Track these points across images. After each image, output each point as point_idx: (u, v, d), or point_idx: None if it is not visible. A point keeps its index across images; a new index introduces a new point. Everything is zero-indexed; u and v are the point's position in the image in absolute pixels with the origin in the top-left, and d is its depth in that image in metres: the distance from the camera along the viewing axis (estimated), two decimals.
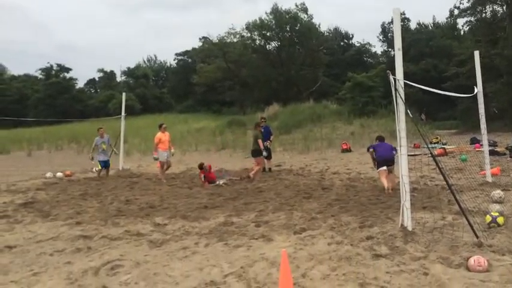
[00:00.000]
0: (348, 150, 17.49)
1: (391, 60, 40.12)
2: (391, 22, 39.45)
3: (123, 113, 16.33)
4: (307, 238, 5.70)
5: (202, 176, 11.26)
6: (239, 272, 4.60)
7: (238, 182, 11.22)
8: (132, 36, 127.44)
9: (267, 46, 45.40)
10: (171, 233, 6.39)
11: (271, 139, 13.69)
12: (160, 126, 12.80)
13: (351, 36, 56.83)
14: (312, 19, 44.44)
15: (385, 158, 8.93)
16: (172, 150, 12.95)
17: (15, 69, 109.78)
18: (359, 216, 6.69)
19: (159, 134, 12.48)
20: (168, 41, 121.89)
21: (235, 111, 43.59)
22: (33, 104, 52.29)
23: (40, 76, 58.74)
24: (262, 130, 13.08)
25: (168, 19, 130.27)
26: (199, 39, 57.60)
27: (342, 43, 55.73)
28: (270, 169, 13.18)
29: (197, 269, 4.76)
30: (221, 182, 11.00)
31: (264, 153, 11.81)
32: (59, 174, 14.22)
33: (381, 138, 9.59)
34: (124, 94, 16.85)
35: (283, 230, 6.15)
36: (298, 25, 42.79)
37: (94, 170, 14.87)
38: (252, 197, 9.02)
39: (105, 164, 13.44)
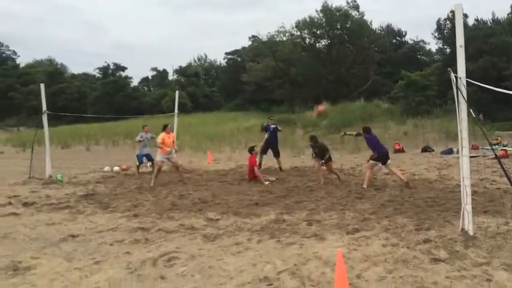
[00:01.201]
0: (401, 151, 17.02)
1: (447, 58, 38.56)
2: (447, 19, 38.00)
3: (176, 111, 16.73)
4: (361, 239, 5.61)
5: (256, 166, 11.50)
6: (292, 269, 4.61)
7: (288, 181, 11.24)
8: (183, 35, 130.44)
9: (317, 44, 44.92)
10: (224, 228, 6.50)
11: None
12: (165, 127, 11.99)
13: (403, 33, 55.09)
14: (363, 16, 43.50)
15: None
16: (175, 148, 12.58)
17: (75, 68, 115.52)
18: (415, 219, 6.51)
19: (163, 135, 11.68)
20: (218, 40, 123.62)
21: (284, 110, 43.49)
22: (91, 102, 54.69)
23: (98, 75, 61.39)
24: (271, 129, 13.42)
25: (218, 18, 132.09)
26: (249, 38, 57.99)
27: (394, 40, 54.13)
28: (280, 168, 13.18)
29: (250, 265, 4.82)
30: (267, 182, 10.95)
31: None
32: (116, 168, 14.81)
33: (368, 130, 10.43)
34: (177, 92, 17.25)
35: (335, 230, 6.09)
36: (349, 22, 42.02)
37: (149, 165, 15.36)
38: (303, 195, 8.99)
39: (149, 158, 13.90)
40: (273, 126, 13.59)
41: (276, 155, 13.51)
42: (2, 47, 72.17)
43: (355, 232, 5.92)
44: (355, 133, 11.38)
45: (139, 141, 14.10)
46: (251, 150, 11.81)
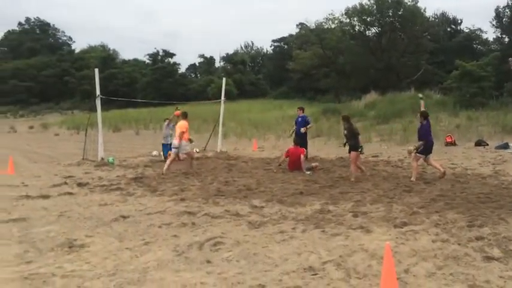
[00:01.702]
0: (453, 144, 16.36)
1: (506, 48, 36.58)
2: (507, 6, 35.89)
3: (222, 97, 16.90)
4: (409, 233, 5.47)
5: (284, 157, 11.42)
6: (338, 260, 4.57)
7: (333, 171, 11.12)
8: (231, 22, 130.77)
9: (367, 32, 43.78)
10: (269, 216, 6.53)
11: (308, 127, 13.26)
12: (185, 114, 11.68)
13: (459, 21, 52.62)
14: (416, 3, 41.83)
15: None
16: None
17: (126, 54, 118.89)
18: (467, 215, 6.26)
19: (186, 123, 11.38)
20: (265, 27, 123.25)
21: (330, 99, 42.92)
22: (141, 87, 56.24)
23: (148, 61, 62.94)
24: (299, 119, 13.23)
25: (265, 5, 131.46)
26: (296, 25, 57.42)
27: (448, 29, 51.86)
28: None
29: (295, 254, 4.82)
30: (307, 172, 10.87)
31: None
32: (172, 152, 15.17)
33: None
34: (224, 79, 17.39)
35: (382, 223, 5.98)
36: (402, 10, 40.58)
37: (195, 151, 15.65)
38: (349, 186, 8.87)
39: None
40: (300, 117, 13.31)
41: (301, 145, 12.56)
42: (58, 33, 75.53)
43: (403, 226, 5.78)
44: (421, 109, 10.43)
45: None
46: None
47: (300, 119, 13.38)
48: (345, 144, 10.27)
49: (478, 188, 8.36)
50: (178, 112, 12.59)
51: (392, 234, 5.46)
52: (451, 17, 52.54)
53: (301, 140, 12.32)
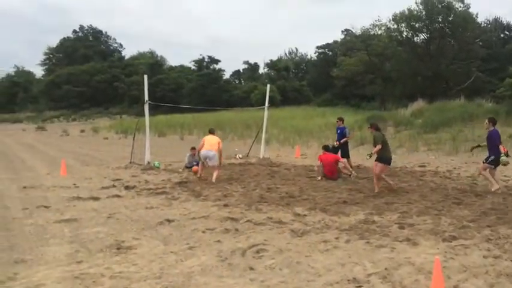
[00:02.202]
0: (506, 155, 15.61)
1: None
2: None
3: (266, 104, 16.96)
4: (459, 247, 5.27)
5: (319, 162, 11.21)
6: (383, 273, 4.47)
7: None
8: (276, 29, 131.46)
9: (415, 38, 42.70)
10: (312, 224, 6.48)
11: (341, 141, 12.64)
12: (213, 130, 11.93)
13: None
14: (468, 8, 40.44)
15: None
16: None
17: (173, 60, 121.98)
18: None
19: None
20: (309, 33, 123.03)
21: (375, 106, 42.16)
22: (186, 93, 57.49)
23: (193, 67, 64.26)
24: (338, 131, 12.88)
25: (311, 12, 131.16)
26: (342, 31, 56.99)
27: (502, 35, 49.76)
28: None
29: (339, 264, 4.76)
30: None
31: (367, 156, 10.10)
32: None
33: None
34: (268, 86, 17.46)
35: (430, 236, 5.79)
36: (452, 15, 39.31)
37: (238, 157, 15.80)
38: (394, 196, 8.65)
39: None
40: (339, 129, 12.96)
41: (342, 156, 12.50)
42: (110, 40, 78.66)
43: (452, 240, 5.57)
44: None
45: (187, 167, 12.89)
46: (326, 148, 11.66)
47: (339, 130, 13.04)
48: (370, 155, 9.38)
49: None
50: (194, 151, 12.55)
51: (441, 248, 5.28)
52: (504, 22, 50.39)
53: (337, 151, 12.22)
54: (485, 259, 4.85)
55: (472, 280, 4.26)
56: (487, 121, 9.40)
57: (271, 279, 4.35)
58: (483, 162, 9.39)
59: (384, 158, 9.10)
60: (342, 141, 12.66)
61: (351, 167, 12.27)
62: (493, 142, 9.13)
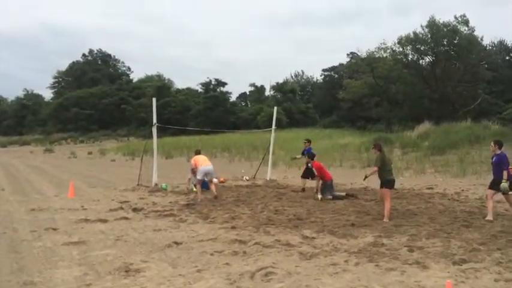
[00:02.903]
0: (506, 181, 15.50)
1: None
2: None
3: (273, 126, 17.06)
4: (469, 271, 5.22)
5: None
6: None
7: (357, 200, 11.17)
8: (282, 52, 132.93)
9: (420, 61, 42.92)
10: (320, 247, 6.45)
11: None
12: (199, 151, 12.33)
13: None
14: (473, 31, 40.67)
15: None
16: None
17: (180, 83, 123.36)
18: None
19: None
20: (315, 56, 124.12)
21: (380, 129, 42.13)
22: (193, 115, 57.85)
23: (200, 90, 64.83)
24: (304, 153, 13.24)
25: (317, 34, 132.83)
26: (347, 54, 57.34)
27: (507, 57, 49.96)
28: (303, 189, 12.82)
29: (348, 287, 4.72)
30: (328, 196, 11.30)
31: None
32: (215, 180, 15.41)
33: None
34: (275, 108, 17.60)
35: (440, 259, 5.74)
36: (457, 38, 39.56)
37: (245, 179, 15.80)
38: (403, 219, 8.59)
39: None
40: (307, 150, 13.39)
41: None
42: (118, 64, 79.82)
43: (462, 263, 5.52)
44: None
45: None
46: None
47: (305, 152, 13.33)
48: (365, 177, 9.10)
49: None
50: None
51: (451, 271, 5.23)
52: (509, 45, 50.64)
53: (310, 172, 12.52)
54: (496, 282, 4.80)
55: None
56: (492, 144, 9.00)
57: None
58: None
59: (384, 181, 8.77)
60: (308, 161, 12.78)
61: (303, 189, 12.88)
62: (500, 168, 8.54)
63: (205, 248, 6.37)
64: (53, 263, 5.68)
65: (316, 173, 11.84)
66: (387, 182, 8.76)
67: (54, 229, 7.70)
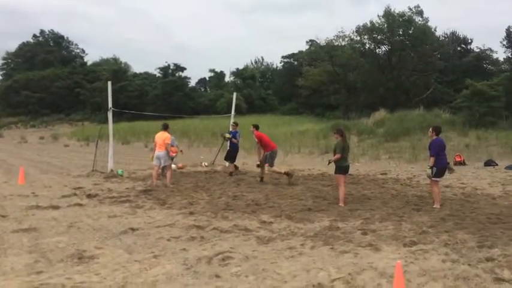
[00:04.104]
0: (462, 163, 16.29)
1: None
2: None
3: (233, 112, 17.03)
4: (419, 252, 5.44)
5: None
6: (347, 278, 4.56)
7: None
8: (242, 38, 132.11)
9: (377, 50, 43.92)
10: (277, 231, 6.53)
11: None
12: (166, 126, 11.81)
13: (469, 41, 52.72)
14: (427, 22, 41.98)
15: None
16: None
17: (137, 67, 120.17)
18: (477, 235, 6.21)
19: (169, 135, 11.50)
20: (275, 43, 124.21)
21: (338, 116, 42.95)
22: (151, 100, 56.66)
23: (158, 74, 63.49)
24: (231, 135, 13.89)
25: (277, 22, 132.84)
26: (306, 42, 57.71)
27: (459, 48, 51.89)
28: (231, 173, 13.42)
29: (304, 270, 4.81)
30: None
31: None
32: (173, 166, 15.23)
33: None
34: (235, 94, 17.53)
35: (391, 241, 5.95)
36: (412, 29, 40.72)
37: (204, 164, 15.70)
38: (358, 203, 8.84)
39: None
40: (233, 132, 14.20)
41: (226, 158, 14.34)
42: (71, 46, 76.66)
43: (412, 245, 5.75)
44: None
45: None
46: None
47: (231, 134, 14.11)
48: (329, 162, 9.08)
49: (488, 208, 8.29)
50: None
51: (402, 253, 5.43)
52: (461, 36, 52.62)
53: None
54: (443, 263, 5.02)
55: (431, 284, 4.41)
56: (431, 129, 9.03)
57: (238, 287, 4.35)
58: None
59: (338, 167, 8.84)
60: (229, 137, 13.90)
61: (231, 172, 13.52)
62: (432, 151, 8.59)
63: (162, 234, 6.30)
64: (1, 251, 5.45)
65: (259, 143, 12.02)
66: (341, 168, 8.85)
67: (3, 216, 7.39)
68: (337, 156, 8.77)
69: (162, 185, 11.07)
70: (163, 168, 11.60)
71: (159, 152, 11.13)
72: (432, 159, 8.47)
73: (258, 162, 12.36)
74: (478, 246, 5.64)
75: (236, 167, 14.05)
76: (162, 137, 11.29)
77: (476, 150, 18.64)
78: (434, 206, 8.39)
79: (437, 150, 8.51)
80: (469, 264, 4.96)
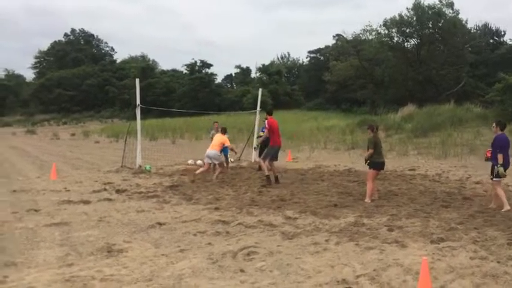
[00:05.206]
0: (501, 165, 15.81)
1: None
2: None
3: (258, 108, 17.03)
4: (446, 249, 5.35)
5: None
6: (372, 274, 4.53)
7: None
8: (268, 33, 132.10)
9: (405, 44, 43.17)
10: (302, 227, 6.54)
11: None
12: (225, 130, 12.18)
13: (502, 33, 51.12)
14: (457, 14, 40.99)
15: None
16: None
17: (165, 64, 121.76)
18: (507, 232, 6.06)
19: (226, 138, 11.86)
20: (301, 38, 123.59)
21: (365, 111, 42.46)
22: (178, 97, 57.44)
23: (185, 71, 64.20)
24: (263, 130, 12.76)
25: (302, 17, 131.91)
26: (333, 36, 57.33)
27: (491, 40, 50.40)
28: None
29: (328, 266, 4.81)
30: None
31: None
32: (199, 162, 15.38)
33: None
34: (260, 90, 17.55)
35: (418, 238, 5.87)
36: (442, 21, 39.78)
37: (229, 160, 15.80)
38: (384, 199, 8.74)
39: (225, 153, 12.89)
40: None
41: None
42: (101, 44, 78.40)
43: (440, 241, 5.66)
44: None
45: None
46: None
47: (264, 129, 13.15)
48: (366, 161, 8.94)
49: None
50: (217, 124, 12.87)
51: (429, 249, 5.36)
52: (493, 28, 51.03)
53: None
54: (471, 260, 4.93)
55: (458, 281, 4.34)
56: (494, 124, 8.29)
57: (262, 281, 4.39)
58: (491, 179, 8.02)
59: (373, 162, 8.80)
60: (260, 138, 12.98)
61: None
62: (498, 148, 7.82)
63: (188, 229, 6.41)
64: (34, 244, 5.67)
65: (266, 127, 11.37)
66: (376, 164, 8.79)
67: (36, 210, 7.65)
68: (370, 151, 8.72)
69: (189, 180, 11.22)
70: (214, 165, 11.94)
71: (210, 151, 11.39)
72: (501, 157, 7.72)
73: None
74: (508, 244, 5.51)
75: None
76: (219, 139, 11.63)
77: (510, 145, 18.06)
78: (503, 210, 7.43)
79: (506, 147, 7.74)
80: (498, 262, 4.85)
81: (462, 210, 7.67)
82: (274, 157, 11.10)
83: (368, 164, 8.90)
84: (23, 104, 69.37)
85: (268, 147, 11.05)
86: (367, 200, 8.56)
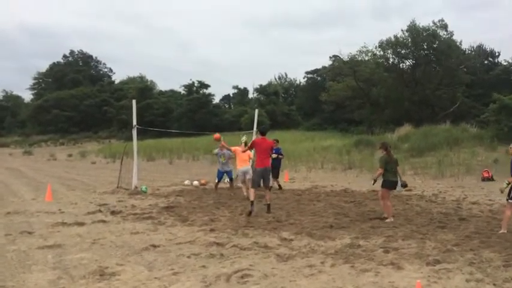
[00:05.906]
0: (490, 179, 15.85)
1: None
2: None
3: (254, 128, 17.10)
4: (442, 271, 5.31)
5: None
6: None
7: (364, 205, 10.96)
8: (265, 54, 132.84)
9: (401, 65, 43.59)
10: (297, 249, 6.49)
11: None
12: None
13: (497, 54, 51.74)
14: (452, 36, 41.47)
15: None
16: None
17: (163, 84, 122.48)
18: (503, 254, 6.02)
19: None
20: (298, 59, 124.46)
21: (362, 131, 42.57)
22: (176, 117, 57.50)
23: (183, 91, 64.46)
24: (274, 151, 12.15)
25: (299, 38, 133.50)
26: (330, 57, 57.75)
27: (486, 61, 50.95)
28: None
29: None
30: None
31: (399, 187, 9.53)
32: (195, 182, 15.39)
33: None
34: (257, 110, 17.65)
35: (414, 260, 5.83)
36: (437, 42, 40.28)
37: (226, 181, 15.76)
38: (380, 220, 8.70)
39: (229, 175, 13.34)
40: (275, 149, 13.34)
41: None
42: (100, 65, 78.89)
43: (435, 263, 5.62)
44: None
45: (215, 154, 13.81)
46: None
47: (274, 150, 12.83)
48: (374, 183, 8.98)
49: None
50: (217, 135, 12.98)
51: (424, 272, 5.31)
52: (488, 49, 51.68)
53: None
54: (467, 283, 4.89)
55: None
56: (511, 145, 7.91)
57: None
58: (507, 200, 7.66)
59: (386, 181, 8.88)
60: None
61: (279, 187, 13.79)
62: None
63: (182, 251, 6.35)
64: (26, 267, 5.60)
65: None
66: (388, 183, 8.90)
67: (30, 232, 7.59)
68: (379, 171, 8.85)
69: (184, 200, 11.17)
70: (231, 179, 13.02)
71: (245, 167, 11.91)
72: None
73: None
74: (504, 266, 5.48)
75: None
76: (247, 154, 12.06)
77: (505, 166, 18.09)
78: (501, 232, 7.34)
79: None
80: (494, 284, 4.82)
81: (458, 231, 7.63)
82: (267, 180, 10.00)
83: (381, 184, 8.90)
84: (20, 124, 69.36)
85: (253, 171, 10.52)
86: (390, 219, 8.61)
